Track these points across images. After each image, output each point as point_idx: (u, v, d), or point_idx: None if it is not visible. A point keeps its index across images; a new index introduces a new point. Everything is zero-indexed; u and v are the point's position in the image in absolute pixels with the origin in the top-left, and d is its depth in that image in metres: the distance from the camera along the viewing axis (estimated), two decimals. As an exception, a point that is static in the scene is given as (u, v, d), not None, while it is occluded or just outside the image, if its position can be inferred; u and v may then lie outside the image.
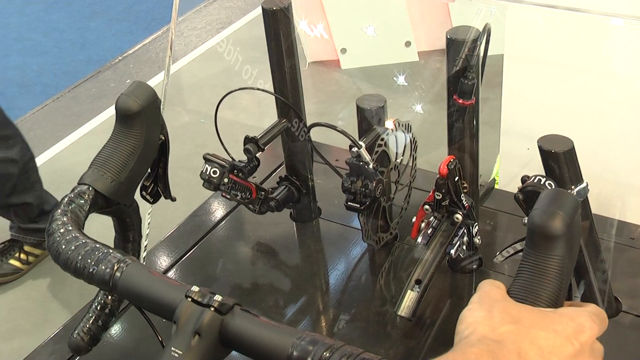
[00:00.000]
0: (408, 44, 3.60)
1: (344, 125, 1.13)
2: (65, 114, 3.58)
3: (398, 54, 3.61)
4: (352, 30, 3.56)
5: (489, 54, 1.07)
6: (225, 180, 1.19)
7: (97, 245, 0.81)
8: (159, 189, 1.07)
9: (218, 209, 1.44)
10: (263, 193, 1.23)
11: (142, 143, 0.95)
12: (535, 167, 0.99)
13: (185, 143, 3.01)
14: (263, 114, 2.93)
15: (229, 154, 1.24)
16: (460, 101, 1.02)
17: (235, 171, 1.19)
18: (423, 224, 1.12)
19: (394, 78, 3.36)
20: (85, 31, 4.38)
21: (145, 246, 1.31)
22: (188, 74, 3.71)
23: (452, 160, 1.05)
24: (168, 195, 1.09)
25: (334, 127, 1.11)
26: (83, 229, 0.88)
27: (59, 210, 0.87)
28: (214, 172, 1.19)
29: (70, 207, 0.88)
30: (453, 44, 1.01)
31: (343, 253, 1.30)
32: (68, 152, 3.27)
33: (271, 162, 1.50)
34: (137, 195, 1.02)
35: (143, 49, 4.11)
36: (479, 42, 0.99)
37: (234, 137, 1.25)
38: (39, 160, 3.21)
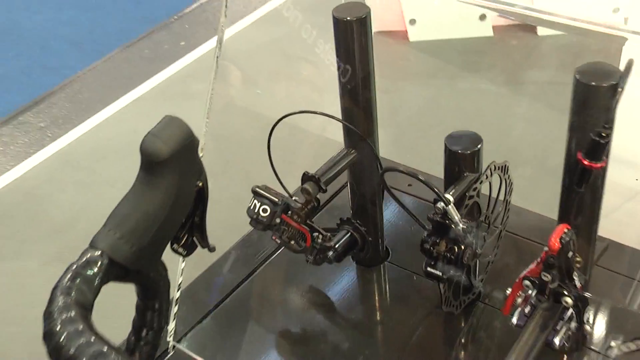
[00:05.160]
0: (483, 17, 3.32)
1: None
2: (116, 76, 3.41)
3: (471, 28, 3.34)
4: (423, 0, 3.30)
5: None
6: (277, 220, 0.99)
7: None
8: (194, 239, 0.88)
9: (262, 243, 1.21)
10: (320, 241, 1.00)
11: (172, 197, 0.75)
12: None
13: (240, 115, 2.77)
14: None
15: (284, 187, 1.03)
16: (586, 162, 0.78)
17: (290, 213, 0.98)
18: (519, 299, 0.90)
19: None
20: (142, -14, 4.19)
21: (179, 285, 1.11)
22: (245, 39, 3.49)
23: (566, 231, 0.81)
24: (206, 245, 0.89)
25: (414, 176, 0.88)
26: (92, 310, 0.69)
27: (61, 288, 0.69)
28: (264, 210, 0.98)
29: (75, 283, 0.69)
30: (580, 85, 0.77)
31: (413, 310, 1.08)
32: (115, 119, 3.09)
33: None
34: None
35: (200, 9, 3.89)
36: (620, 86, 0.75)
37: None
38: (85, 127, 3.06)
